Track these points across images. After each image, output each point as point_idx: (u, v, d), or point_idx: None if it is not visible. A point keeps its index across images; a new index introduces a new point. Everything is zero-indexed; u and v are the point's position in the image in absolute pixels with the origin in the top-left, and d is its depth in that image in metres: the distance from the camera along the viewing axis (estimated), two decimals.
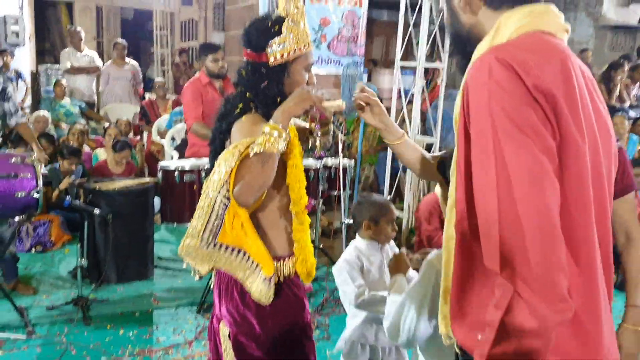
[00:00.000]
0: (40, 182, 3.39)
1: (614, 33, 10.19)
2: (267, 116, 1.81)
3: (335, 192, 4.57)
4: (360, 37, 7.14)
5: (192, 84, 4.60)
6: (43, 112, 6.43)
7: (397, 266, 2.24)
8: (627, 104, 7.18)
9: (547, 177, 1.06)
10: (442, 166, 2.00)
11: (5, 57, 7.00)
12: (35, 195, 3.35)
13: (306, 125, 2.17)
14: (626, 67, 7.25)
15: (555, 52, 1.15)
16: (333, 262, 4.59)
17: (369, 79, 7.85)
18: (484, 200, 1.10)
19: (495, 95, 1.08)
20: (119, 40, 7.87)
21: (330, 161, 4.53)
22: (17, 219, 3.54)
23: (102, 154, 5.77)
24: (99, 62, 7.71)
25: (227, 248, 1.81)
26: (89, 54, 7.57)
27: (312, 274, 2.05)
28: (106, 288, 4.20)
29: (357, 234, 2.64)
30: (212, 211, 1.75)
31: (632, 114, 6.72)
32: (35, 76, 8.56)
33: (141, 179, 4.63)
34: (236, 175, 1.69)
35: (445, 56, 5.35)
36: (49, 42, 9.81)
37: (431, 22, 5.19)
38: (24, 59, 8.23)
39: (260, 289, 1.80)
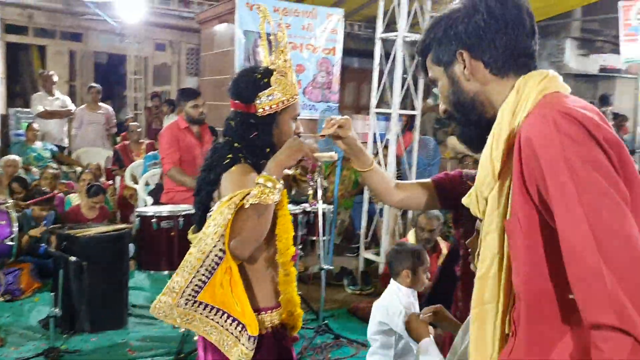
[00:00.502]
0: (16, 229, 3.32)
1: (576, 81, 10.60)
2: (256, 166, 1.83)
3: (314, 237, 4.57)
4: (334, 83, 7.27)
5: (169, 128, 4.61)
6: (13, 156, 6.32)
7: (417, 331, 2.17)
8: None
9: (633, 223, 1.06)
10: (440, 190, 2.05)
11: None
12: (9, 243, 3.27)
13: (288, 172, 2.20)
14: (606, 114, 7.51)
15: (593, 108, 1.18)
16: (311, 309, 4.59)
17: None
18: (580, 254, 1.05)
19: (570, 148, 1.08)
20: (94, 84, 7.86)
21: (308, 206, 4.55)
22: None
23: (75, 199, 5.69)
24: (71, 105, 7.66)
25: (206, 307, 1.76)
26: (60, 98, 7.52)
27: (298, 326, 2.04)
28: (79, 338, 4.08)
29: (394, 280, 2.75)
30: (201, 265, 1.71)
31: None
32: (5, 119, 8.46)
33: (117, 225, 4.57)
34: (232, 228, 1.68)
35: (418, 103, 5.49)
36: (20, 85, 9.73)
37: (404, 71, 5.34)
38: None
39: (240, 352, 1.73)
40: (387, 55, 5.43)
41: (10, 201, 3.57)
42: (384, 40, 5.49)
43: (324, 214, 4.30)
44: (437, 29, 1.34)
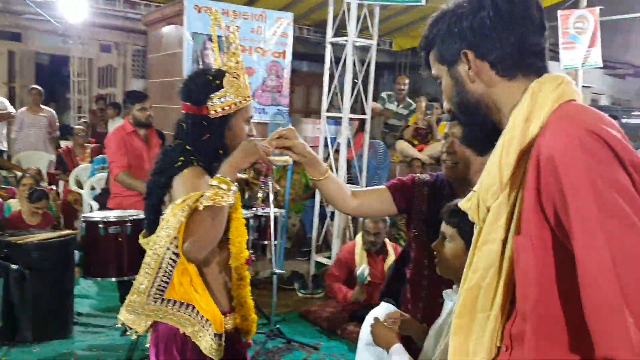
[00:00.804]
0: None
1: None
2: (208, 169, 1.81)
3: (266, 242, 4.55)
4: (285, 87, 7.27)
5: (116, 132, 4.51)
6: None
7: (385, 339, 2.03)
8: None
9: None
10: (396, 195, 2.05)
11: None
12: None
13: (242, 176, 2.19)
14: None
15: (617, 127, 1.10)
16: (263, 314, 4.56)
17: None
18: (599, 284, 0.99)
19: (596, 170, 1.00)
20: (35, 86, 7.59)
21: (260, 210, 4.53)
22: None
23: (15, 205, 5.47)
24: (10, 108, 7.39)
25: (175, 303, 1.77)
26: None
27: (252, 331, 2.03)
28: (21, 349, 3.92)
29: None
30: (159, 268, 1.71)
31: None
32: None
33: (61, 231, 4.43)
34: (185, 231, 1.66)
35: (368, 107, 5.55)
36: None
37: (354, 75, 5.39)
38: None
39: (210, 344, 1.76)
40: (337, 59, 5.47)
41: None
42: (334, 45, 5.54)
43: (275, 217, 4.29)
44: (441, 24, 1.25)
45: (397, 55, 11.68)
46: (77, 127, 7.49)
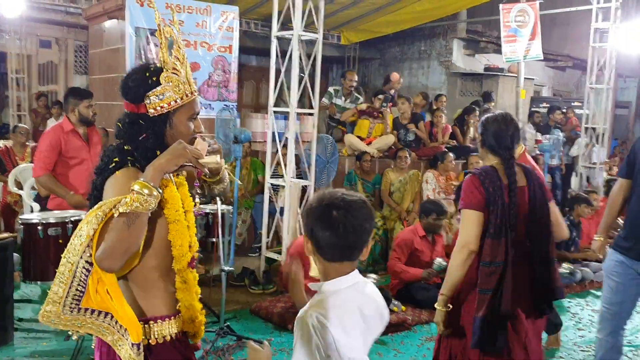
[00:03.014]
0: None
1: (463, 80, 11.15)
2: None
3: (214, 239, 4.49)
4: (232, 82, 7.19)
5: (52, 131, 4.35)
6: None
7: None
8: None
9: None
10: None
11: None
12: None
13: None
14: (477, 112, 7.94)
15: None
16: (212, 312, 4.51)
17: (242, 124, 7.88)
18: None
19: None
20: None
21: (208, 207, 4.47)
22: None
23: None
24: None
25: (92, 312, 1.69)
26: None
27: (199, 334, 1.98)
28: None
29: None
30: (73, 277, 1.64)
31: None
32: None
33: None
34: (99, 239, 1.60)
35: (316, 102, 5.54)
36: None
37: (301, 70, 5.37)
38: None
39: (129, 354, 1.69)
40: (283, 53, 5.44)
41: None
42: (282, 39, 5.50)
43: (222, 214, 4.24)
44: None
45: (346, 48, 11.72)
46: (21, 125, 7.22)
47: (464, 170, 7.07)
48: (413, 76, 11.75)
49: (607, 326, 3.48)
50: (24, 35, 8.51)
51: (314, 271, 4.31)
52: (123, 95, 1.82)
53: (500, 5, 8.45)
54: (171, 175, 1.89)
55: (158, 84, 1.76)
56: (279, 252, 5.64)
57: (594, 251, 3.77)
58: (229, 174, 2.12)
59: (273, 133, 5.56)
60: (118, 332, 1.69)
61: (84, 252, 1.62)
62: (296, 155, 5.66)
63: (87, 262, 1.62)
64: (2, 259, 3.98)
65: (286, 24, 5.42)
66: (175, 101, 1.77)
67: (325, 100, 7.35)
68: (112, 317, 1.69)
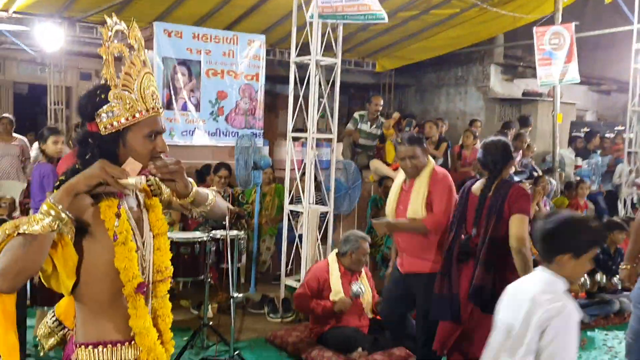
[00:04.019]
0: None
1: (501, 105, 10.90)
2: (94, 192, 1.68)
3: (223, 266, 4.44)
4: (258, 109, 7.22)
5: (65, 160, 4.46)
6: None
7: None
8: (512, 170, 7.58)
9: None
10: None
11: None
12: None
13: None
14: (509, 136, 7.71)
15: None
16: (223, 340, 4.44)
17: (271, 152, 7.90)
18: None
19: None
20: (5, 115, 7.52)
21: (219, 233, 4.42)
22: None
23: None
24: None
25: None
26: None
27: None
28: None
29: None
30: None
31: (516, 179, 7.08)
32: None
33: None
34: None
35: (334, 127, 5.48)
36: None
37: (320, 95, 5.33)
38: None
39: None
40: (302, 80, 5.42)
41: None
42: (299, 65, 5.48)
43: (232, 240, 4.18)
44: None
45: (381, 75, 11.67)
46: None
47: None
48: (450, 102, 11.59)
49: (634, 359, 3.25)
50: (63, 68, 8.80)
51: (334, 295, 4.21)
52: (77, 114, 1.79)
53: (534, 28, 8.25)
54: (134, 197, 1.84)
55: (106, 101, 1.71)
56: (299, 280, 5.53)
57: (622, 280, 3.59)
58: (217, 198, 2.05)
59: (292, 160, 5.50)
60: None
61: None
62: (317, 182, 5.60)
63: None
64: None
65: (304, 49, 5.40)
66: (127, 119, 1.70)
67: (350, 125, 7.28)
68: None
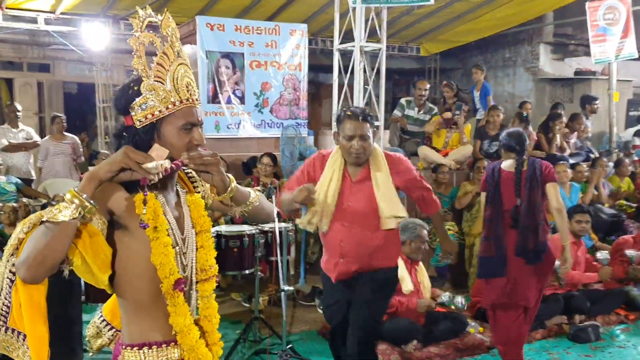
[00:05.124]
0: None
1: (552, 86, 10.52)
2: (126, 184, 1.64)
3: (273, 258, 4.40)
4: (302, 99, 7.15)
5: None
6: None
7: None
8: (567, 153, 7.29)
9: None
10: None
11: None
12: None
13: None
14: (563, 118, 7.40)
15: None
16: (275, 333, 4.41)
17: (315, 141, 7.83)
18: None
19: None
20: (58, 114, 7.70)
21: (267, 225, 4.38)
22: None
23: None
24: (36, 137, 7.50)
25: (19, 334, 1.58)
26: (25, 129, 7.36)
27: None
28: None
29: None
30: (1, 288, 1.55)
31: (572, 161, 6.80)
32: None
33: None
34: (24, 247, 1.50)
35: (381, 114, 5.36)
36: None
37: (365, 82, 5.22)
38: None
39: None
40: (346, 68, 5.32)
41: None
42: (343, 53, 5.38)
43: (280, 232, 4.13)
44: None
45: (426, 60, 11.44)
46: (102, 151, 7.56)
47: None
48: (498, 85, 11.26)
49: None
50: (110, 66, 8.94)
51: (406, 287, 4.15)
52: (113, 108, 1.74)
53: (587, 4, 7.89)
54: (176, 191, 1.79)
55: (139, 93, 1.65)
56: None
57: None
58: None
59: None
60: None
61: (8, 261, 1.52)
62: None
63: (10, 271, 1.53)
64: (68, 279, 4.07)
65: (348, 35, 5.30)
66: (160, 110, 1.64)
67: (397, 112, 7.12)
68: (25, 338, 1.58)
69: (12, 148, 7.19)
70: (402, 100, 7.23)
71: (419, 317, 4.40)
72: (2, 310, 1.56)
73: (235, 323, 4.96)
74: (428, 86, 7.21)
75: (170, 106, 1.65)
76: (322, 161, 3.17)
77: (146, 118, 1.64)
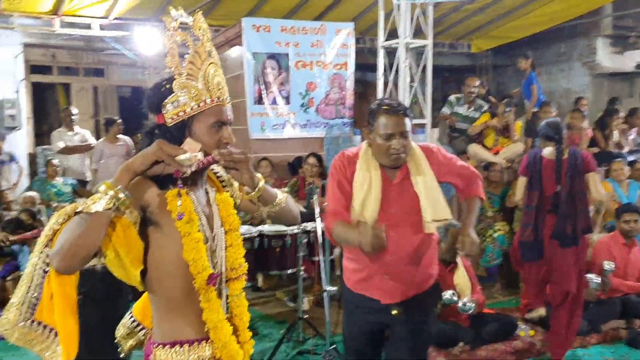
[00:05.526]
0: None
1: (610, 80, 10.11)
2: (159, 180, 1.66)
3: (315, 258, 4.38)
4: (348, 98, 7.10)
5: None
6: (31, 193, 6.40)
7: None
8: (625, 150, 6.97)
9: None
10: None
11: None
12: None
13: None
14: (621, 113, 7.08)
15: None
16: (318, 333, 4.37)
17: (362, 140, 7.76)
18: None
19: None
20: (117, 119, 7.89)
21: (309, 225, 4.36)
22: None
23: None
24: (91, 139, 7.73)
25: (45, 327, 1.58)
26: (80, 132, 7.60)
27: None
28: None
29: None
30: (32, 280, 1.55)
31: (631, 158, 6.50)
32: (32, 158, 8.64)
33: None
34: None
35: (427, 111, 5.26)
36: (47, 124, 9.96)
37: (411, 80, 5.13)
38: (20, 142, 8.33)
39: None
40: (391, 66, 5.24)
41: None
42: (390, 52, 5.31)
43: (323, 232, 4.10)
44: None
45: (477, 57, 11.20)
46: None
47: (606, 178, 6.29)
48: (552, 80, 10.90)
49: None
50: (161, 69, 9.14)
51: (458, 279, 4.07)
52: (145, 107, 1.76)
53: None
54: (204, 188, 1.79)
55: (171, 91, 1.66)
56: None
57: None
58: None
59: None
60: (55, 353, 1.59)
61: (42, 252, 1.54)
62: None
63: (44, 262, 1.54)
64: (118, 279, 4.16)
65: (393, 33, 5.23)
66: (191, 108, 1.66)
67: (445, 109, 6.98)
68: (56, 335, 1.58)
69: (68, 150, 7.44)
70: (451, 98, 7.07)
71: (463, 319, 4.29)
72: (31, 301, 1.57)
73: (280, 323, 4.96)
74: (478, 83, 7.02)
75: (201, 104, 1.67)
76: (352, 163, 2.67)
77: (178, 115, 1.66)
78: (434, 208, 2.59)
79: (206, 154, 1.67)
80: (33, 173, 8.46)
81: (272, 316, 5.12)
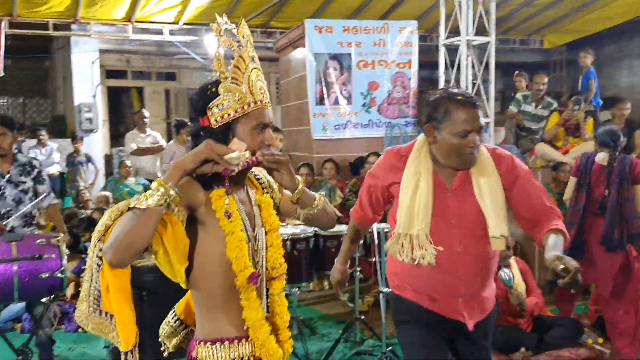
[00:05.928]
0: (65, 262, 3.42)
1: None
2: (203, 181, 1.71)
3: (372, 259, 4.35)
4: (412, 97, 7.01)
5: None
6: (104, 192, 6.71)
7: None
8: None
9: None
10: None
11: (77, 143, 7.46)
12: (59, 275, 3.38)
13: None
14: None
15: None
16: (375, 335, 4.34)
17: None
18: None
19: None
20: (182, 119, 8.15)
21: None
22: (44, 299, 3.57)
23: None
24: (162, 141, 8.01)
25: (112, 317, 1.65)
26: (152, 134, 7.89)
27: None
28: None
29: None
30: (92, 273, 1.64)
31: None
32: (108, 159, 9.07)
33: None
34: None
35: (490, 110, 5.12)
36: (123, 126, 10.41)
37: (474, 77, 5.01)
38: (97, 143, 8.77)
39: None
40: (453, 63, 5.14)
41: (61, 235, 3.69)
42: (454, 49, 5.20)
43: (379, 233, 4.07)
44: None
45: (550, 53, 10.79)
46: None
47: None
48: (634, 75, 10.37)
49: None
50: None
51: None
52: (190, 109, 1.81)
53: None
54: (245, 188, 1.83)
55: (217, 94, 1.71)
56: None
57: None
58: (323, 201, 1.94)
59: None
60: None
61: (95, 246, 1.61)
62: None
63: (97, 256, 1.62)
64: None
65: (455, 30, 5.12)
66: (236, 111, 1.71)
67: (512, 107, 6.75)
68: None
69: (140, 152, 7.73)
70: (518, 95, 6.83)
71: (523, 323, 4.15)
72: (94, 293, 1.66)
73: (339, 323, 4.97)
74: (546, 80, 6.76)
75: (245, 107, 1.72)
76: (400, 162, 2.32)
77: (222, 118, 1.71)
78: (499, 220, 2.22)
79: (252, 154, 1.72)
80: (109, 173, 8.88)
81: (332, 316, 5.13)
